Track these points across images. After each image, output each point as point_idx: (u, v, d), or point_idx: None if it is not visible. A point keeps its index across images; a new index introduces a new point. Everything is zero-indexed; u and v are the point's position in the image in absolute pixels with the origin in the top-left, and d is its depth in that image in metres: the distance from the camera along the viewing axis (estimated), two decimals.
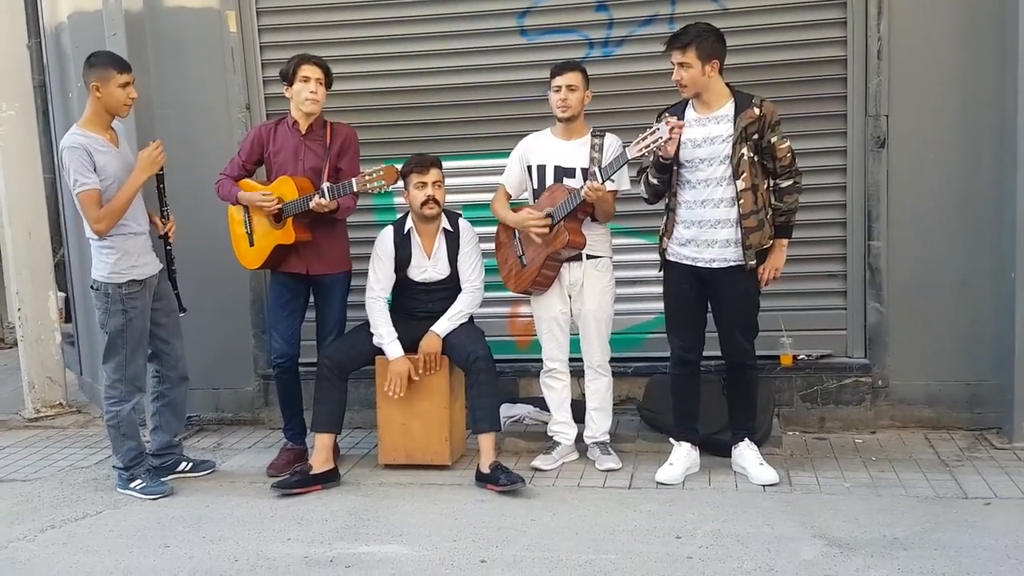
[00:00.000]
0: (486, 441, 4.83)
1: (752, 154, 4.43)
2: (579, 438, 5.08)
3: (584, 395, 5.08)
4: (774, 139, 4.45)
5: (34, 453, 5.75)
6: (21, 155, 6.55)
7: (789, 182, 4.52)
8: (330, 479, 4.88)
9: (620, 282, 5.14)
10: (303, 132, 5.01)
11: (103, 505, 4.77)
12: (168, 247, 4.97)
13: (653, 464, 4.84)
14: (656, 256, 4.89)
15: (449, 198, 5.13)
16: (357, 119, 5.50)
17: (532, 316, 5.12)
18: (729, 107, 4.46)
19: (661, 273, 4.80)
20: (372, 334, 5.01)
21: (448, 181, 5.08)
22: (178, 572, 3.96)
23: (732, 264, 4.52)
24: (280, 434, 5.39)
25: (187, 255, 5.25)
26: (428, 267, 5.04)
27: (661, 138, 4.38)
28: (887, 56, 5.15)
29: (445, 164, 5.06)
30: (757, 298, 4.65)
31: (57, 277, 6.95)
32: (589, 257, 4.88)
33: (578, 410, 5.09)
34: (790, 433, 5.34)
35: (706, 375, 4.87)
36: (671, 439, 4.86)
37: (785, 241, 4.63)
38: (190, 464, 5.16)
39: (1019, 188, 4.88)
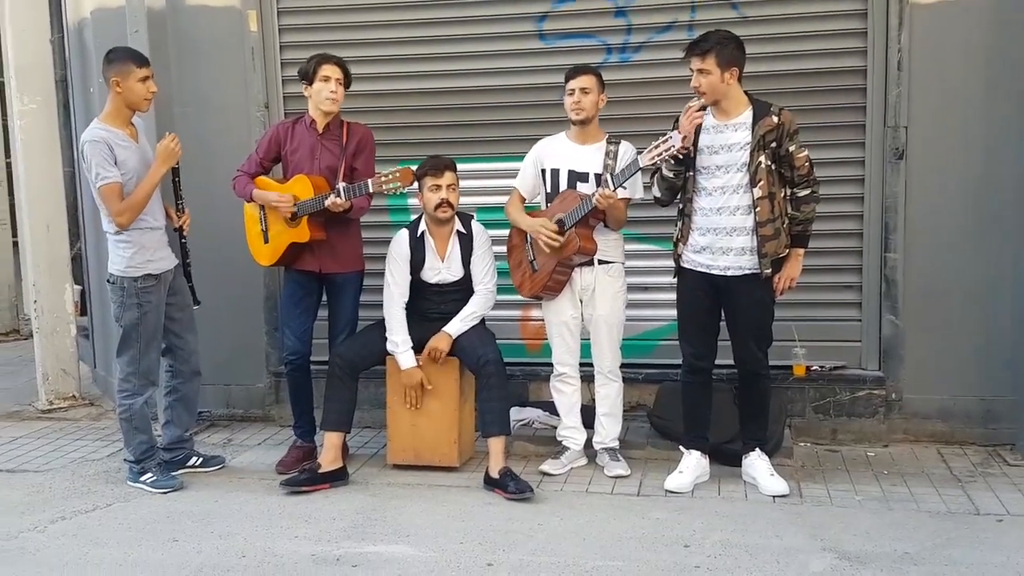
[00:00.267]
0: (495, 445, 4.82)
1: (770, 162, 4.42)
2: (588, 444, 5.07)
3: (594, 400, 5.07)
4: (792, 148, 4.43)
5: (46, 444, 5.78)
6: (42, 148, 6.59)
7: (807, 191, 4.51)
8: (338, 478, 4.88)
9: (632, 288, 5.14)
10: (320, 131, 5.03)
11: (113, 498, 4.80)
12: (183, 240, 5.00)
13: (662, 472, 4.82)
14: (669, 263, 4.89)
15: (464, 200, 5.14)
16: (375, 119, 5.51)
17: (543, 320, 5.11)
18: (747, 115, 4.45)
19: (675, 280, 4.79)
20: (384, 334, 5.01)
21: (463, 183, 5.08)
22: (186, 566, 3.97)
23: (747, 272, 4.50)
24: (290, 431, 5.41)
25: (202, 252, 5.27)
26: (441, 269, 5.04)
27: (674, 146, 4.37)
28: (907, 67, 5.13)
29: (460, 166, 5.06)
30: (772, 307, 4.64)
31: (74, 270, 7.00)
32: (601, 262, 4.87)
33: (588, 415, 5.08)
34: (801, 444, 5.32)
35: (718, 384, 4.86)
36: (681, 447, 4.85)
37: (801, 251, 4.61)
38: (200, 459, 5.18)
39: None
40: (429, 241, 5.04)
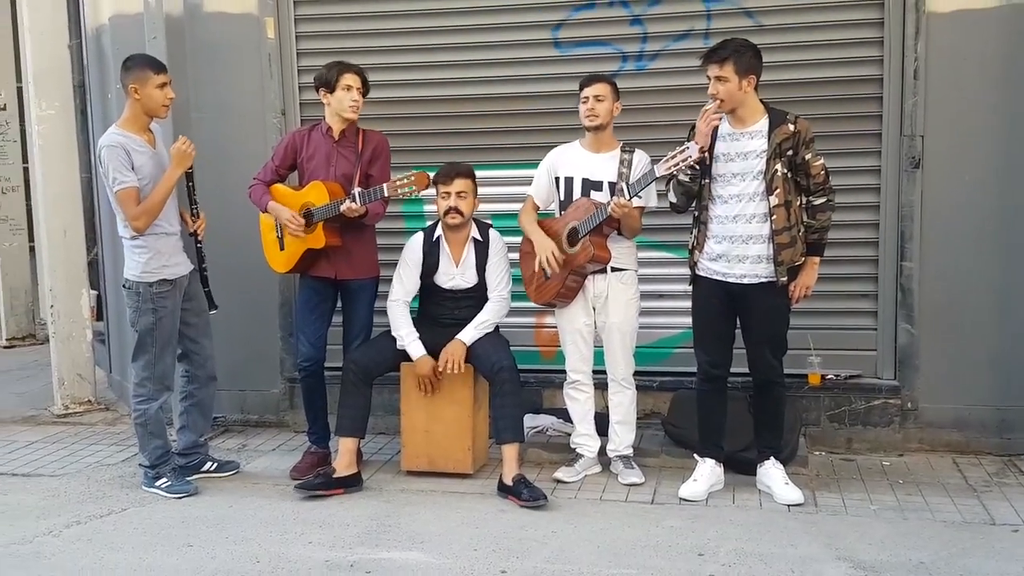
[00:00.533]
0: (509, 451, 4.82)
1: (786, 170, 4.42)
2: (602, 451, 5.07)
3: (608, 408, 5.06)
4: (808, 156, 4.43)
5: (62, 449, 5.80)
6: (59, 154, 6.62)
7: (822, 199, 4.51)
8: (352, 484, 4.89)
9: (646, 296, 5.14)
10: (336, 138, 5.04)
11: (128, 502, 4.81)
12: (199, 244, 5.01)
13: (676, 480, 4.81)
14: (683, 270, 4.89)
15: (480, 207, 5.14)
16: (391, 127, 5.54)
17: (557, 327, 5.12)
18: (763, 123, 4.46)
19: (690, 287, 4.79)
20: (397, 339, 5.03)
21: (479, 190, 5.09)
22: (200, 571, 3.98)
23: (763, 280, 4.50)
24: (304, 437, 5.41)
25: (218, 258, 5.29)
26: (456, 275, 5.05)
27: (691, 156, 4.38)
28: (923, 76, 5.12)
29: (476, 174, 5.05)
30: (787, 315, 4.64)
31: (90, 275, 7.02)
32: (614, 270, 4.87)
33: (602, 423, 5.08)
34: (816, 453, 5.30)
35: (732, 392, 4.84)
36: (695, 455, 4.84)
37: (817, 259, 4.61)
38: (215, 464, 5.19)
39: None
40: (444, 246, 5.05)
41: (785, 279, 4.49)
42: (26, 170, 9.13)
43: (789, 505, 4.54)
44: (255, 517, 4.57)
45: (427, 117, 5.82)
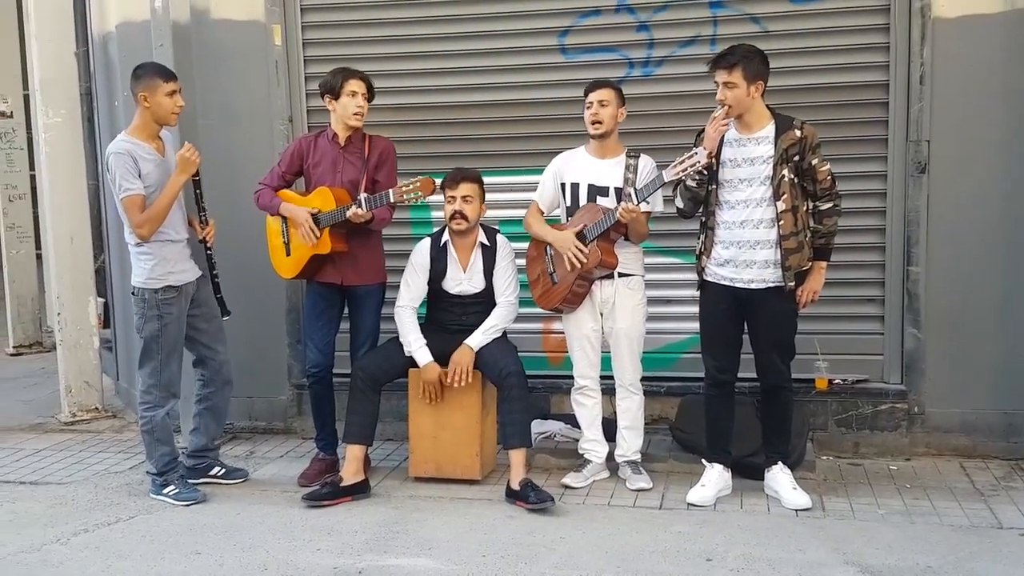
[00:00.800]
0: (517, 457, 4.83)
1: (792, 176, 4.43)
2: (610, 457, 5.07)
3: (615, 413, 5.06)
4: (815, 161, 4.44)
5: (69, 457, 5.81)
6: (66, 161, 6.63)
7: (829, 204, 4.51)
8: (360, 491, 4.89)
9: (653, 301, 5.14)
10: (342, 145, 5.06)
11: (136, 510, 4.81)
12: (209, 251, 5.02)
13: (684, 485, 4.82)
14: (690, 275, 4.90)
15: (487, 213, 5.15)
16: (397, 133, 5.54)
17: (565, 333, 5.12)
18: (770, 128, 4.47)
19: (697, 293, 4.79)
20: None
21: (486, 196, 5.09)
22: None
23: (771, 285, 4.51)
24: (312, 444, 5.43)
25: (225, 264, 5.28)
26: (463, 280, 5.06)
27: (699, 162, 4.38)
28: (929, 81, 5.12)
29: (484, 180, 5.06)
30: (795, 320, 4.64)
31: (97, 283, 7.03)
32: (621, 275, 4.87)
33: (609, 428, 5.08)
34: (824, 458, 5.29)
35: (740, 397, 4.85)
36: (703, 460, 4.84)
37: (824, 264, 4.61)
38: (223, 470, 5.19)
39: None
40: (452, 251, 5.06)
41: (792, 284, 4.50)
42: (33, 178, 9.11)
43: (797, 510, 4.54)
44: (263, 524, 4.58)
45: (434, 123, 5.83)
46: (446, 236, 5.08)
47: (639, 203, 4.62)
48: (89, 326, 6.73)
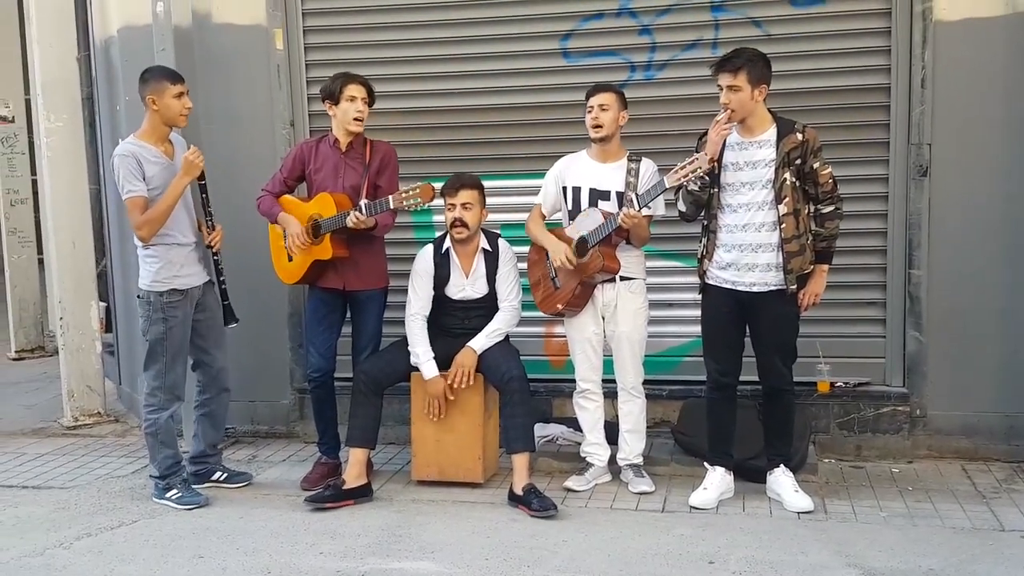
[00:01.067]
0: (519, 461, 4.83)
1: (794, 179, 4.44)
2: (612, 460, 5.07)
3: (617, 417, 5.06)
4: (816, 164, 4.45)
5: (71, 461, 5.81)
6: (68, 166, 6.63)
7: (830, 208, 4.52)
8: (363, 494, 4.90)
9: (655, 305, 5.15)
10: (344, 150, 5.06)
11: (139, 514, 4.82)
12: (216, 257, 5.02)
13: (687, 488, 4.82)
14: (692, 279, 4.90)
15: (488, 217, 5.15)
16: (399, 137, 5.55)
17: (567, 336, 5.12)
18: (772, 132, 4.47)
19: (699, 296, 4.80)
20: (408, 351, 5.03)
21: (488, 201, 5.09)
22: None
23: (773, 288, 4.51)
24: (314, 448, 5.43)
25: (226, 267, 5.28)
26: (466, 286, 5.06)
27: (701, 167, 4.39)
28: (931, 85, 5.12)
29: (484, 184, 5.06)
30: (797, 323, 4.64)
31: (99, 287, 7.04)
32: (623, 279, 4.87)
33: (611, 432, 5.08)
34: (826, 461, 5.30)
35: (742, 400, 4.85)
36: (705, 463, 4.84)
37: (825, 267, 4.62)
38: (225, 475, 5.20)
39: None
40: (454, 258, 5.06)
41: (794, 287, 4.50)
42: (35, 182, 9.15)
43: (799, 512, 4.54)
44: (266, 528, 4.58)
45: (436, 127, 5.84)
46: (447, 242, 5.08)
47: (640, 208, 4.63)
48: (91, 330, 6.73)
